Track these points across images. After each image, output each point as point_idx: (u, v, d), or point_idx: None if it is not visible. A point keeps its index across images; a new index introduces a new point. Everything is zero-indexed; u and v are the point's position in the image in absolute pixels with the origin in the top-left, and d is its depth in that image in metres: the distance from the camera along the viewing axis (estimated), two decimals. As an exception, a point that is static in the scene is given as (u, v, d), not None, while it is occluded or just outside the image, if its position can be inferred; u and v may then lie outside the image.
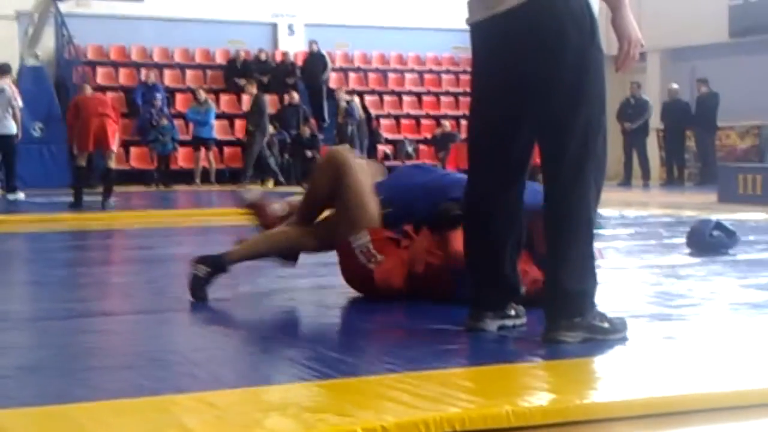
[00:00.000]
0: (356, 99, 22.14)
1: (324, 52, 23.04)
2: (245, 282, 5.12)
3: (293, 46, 24.11)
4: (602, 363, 3.39)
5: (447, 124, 22.96)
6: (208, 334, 4.10)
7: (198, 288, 4.77)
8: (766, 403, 2.91)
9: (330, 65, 23.10)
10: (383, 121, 23.92)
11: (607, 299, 4.40)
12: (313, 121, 21.93)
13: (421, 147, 23.34)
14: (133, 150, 21.03)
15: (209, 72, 23.42)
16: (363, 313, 4.73)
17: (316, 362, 3.43)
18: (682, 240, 7.25)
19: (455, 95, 24.74)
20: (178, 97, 22.37)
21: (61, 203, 13.35)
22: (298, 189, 17.98)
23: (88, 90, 14.38)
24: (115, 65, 22.74)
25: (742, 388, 2.98)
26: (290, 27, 24.42)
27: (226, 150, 21.99)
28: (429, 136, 23.60)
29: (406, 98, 24.68)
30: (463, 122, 22.97)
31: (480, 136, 3.91)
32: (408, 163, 21.30)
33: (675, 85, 20.67)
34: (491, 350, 3.62)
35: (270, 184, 20.59)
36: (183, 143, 21.02)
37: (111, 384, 3.11)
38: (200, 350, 3.62)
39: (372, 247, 4.68)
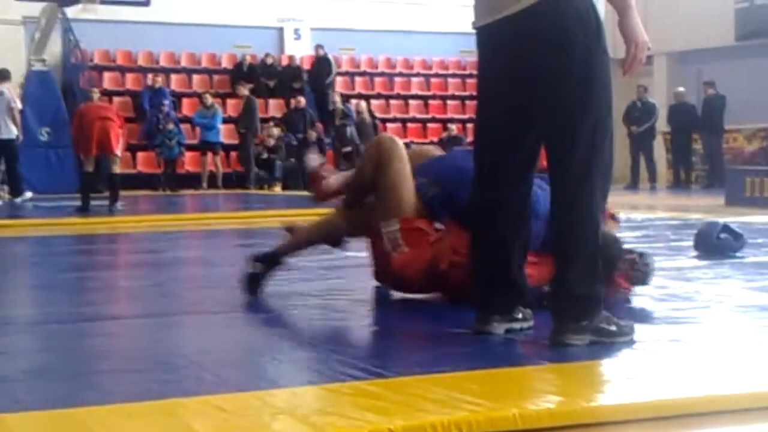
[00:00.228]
0: (363, 103, 22.15)
1: (330, 56, 23.05)
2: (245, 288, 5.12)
3: (300, 51, 24.13)
4: (609, 366, 3.39)
5: (453, 128, 22.96)
6: (215, 337, 4.10)
7: (254, 284, 4.95)
8: (773, 405, 2.90)
9: (334, 69, 23.11)
10: (390, 125, 23.91)
11: (614, 302, 4.40)
12: (319, 124, 21.94)
13: (428, 151, 23.29)
14: (140, 154, 21.06)
15: (216, 76, 23.45)
16: (370, 317, 4.73)
17: (324, 365, 3.43)
18: (690, 243, 7.23)
19: (462, 99, 24.73)
20: (185, 101, 22.40)
21: (68, 207, 13.38)
22: (304, 193, 18.00)
23: (96, 95, 14.44)
24: (122, 70, 22.77)
25: (749, 390, 2.97)
26: (296, 31, 24.44)
27: (233, 154, 21.99)
28: (435, 139, 23.56)
29: (412, 102, 24.68)
30: (470, 126, 22.95)
31: (486, 139, 3.91)
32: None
33: (681, 88, 20.65)
34: (498, 353, 3.62)
35: (277, 188, 20.62)
36: (190, 147, 21.04)
37: (118, 387, 3.11)
38: (207, 353, 3.63)
39: (399, 236, 4.71)
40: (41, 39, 19.59)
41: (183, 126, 20.94)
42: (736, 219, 8.98)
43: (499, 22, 3.73)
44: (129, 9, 20.67)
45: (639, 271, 4.83)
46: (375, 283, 5.08)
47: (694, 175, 20.64)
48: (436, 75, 25.34)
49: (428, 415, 2.66)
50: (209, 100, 21.07)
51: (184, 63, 23.44)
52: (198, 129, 21.14)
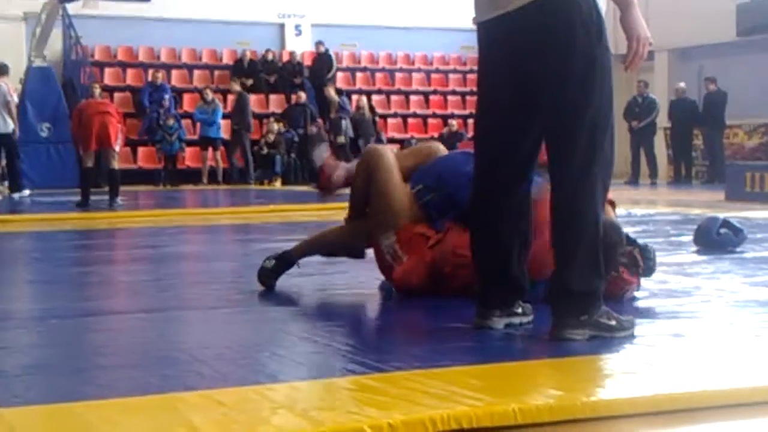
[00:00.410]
0: (364, 99, 22.15)
1: (331, 52, 23.05)
2: (252, 281, 5.12)
3: (300, 47, 24.13)
4: (609, 361, 3.39)
5: (454, 124, 22.97)
6: (215, 332, 4.10)
7: (265, 277, 5.06)
8: (773, 400, 2.90)
9: (335, 65, 23.11)
10: (390, 121, 23.93)
11: (621, 300, 4.41)
12: (320, 120, 21.95)
13: (428, 146, 23.29)
14: (140, 150, 21.08)
15: (216, 72, 23.46)
16: (370, 312, 4.74)
17: (323, 360, 3.44)
18: (690, 238, 7.24)
19: (462, 95, 24.74)
20: (186, 97, 22.42)
21: (68, 203, 13.39)
22: (305, 188, 18.02)
23: (98, 90, 14.44)
24: (123, 66, 22.79)
25: (749, 385, 2.97)
26: (297, 27, 24.43)
27: (235, 149, 21.99)
28: (436, 135, 23.58)
29: (413, 98, 24.69)
30: (470, 121, 22.95)
31: (487, 135, 3.91)
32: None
33: (682, 84, 20.64)
34: (498, 348, 3.62)
35: (277, 183, 20.63)
36: (190, 143, 21.05)
37: (118, 382, 3.11)
38: (207, 348, 3.63)
39: (398, 247, 4.72)
40: (42, 35, 19.59)
41: (183, 121, 20.95)
42: (736, 214, 8.98)
43: (500, 18, 3.72)
44: (130, 5, 20.70)
45: (640, 264, 4.82)
46: (375, 277, 5.07)
47: (694, 170, 20.64)
48: (437, 71, 25.34)
49: (428, 410, 2.66)
50: (210, 95, 21.07)
51: (184, 59, 23.45)
52: (198, 124, 21.15)
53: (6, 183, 15.99)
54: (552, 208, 3.76)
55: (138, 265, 6.76)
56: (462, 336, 3.77)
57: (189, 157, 21.29)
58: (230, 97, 22.61)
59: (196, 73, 23.22)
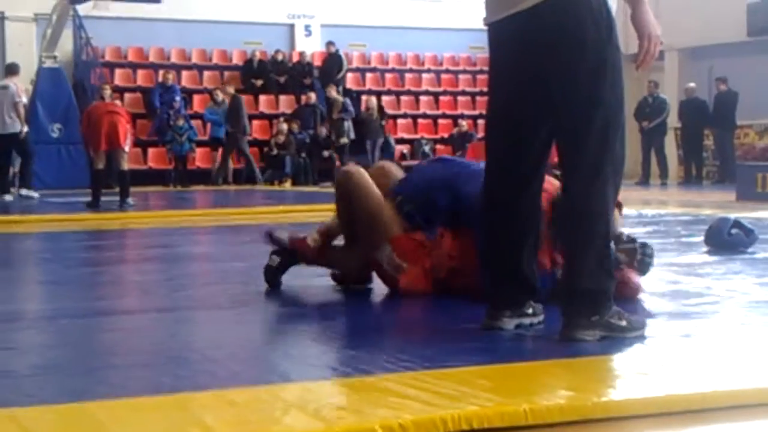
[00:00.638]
0: (373, 100, 22.13)
1: (341, 52, 23.06)
2: (264, 281, 5.13)
3: (310, 47, 24.15)
4: (620, 361, 3.38)
5: (464, 124, 22.96)
6: (227, 331, 4.11)
7: (271, 275, 5.06)
8: (785, 400, 2.90)
9: (345, 66, 23.12)
10: (400, 121, 23.94)
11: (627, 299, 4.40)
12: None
13: (438, 147, 23.34)
14: (150, 150, 21.12)
15: (226, 73, 23.48)
16: (381, 312, 4.74)
17: (335, 360, 3.44)
18: (701, 238, 7.22)
19: (472, 95, 24.73)
20: (196, 97, 22.45)
21: (78, 203, 13.42)
22: (315, 188, 18.04)
23: (108, 91, 14.48)
24: (133, 66, 22.83)
25: (760, 385, 2.97)
26: (307, 28, 24.45)
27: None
28: (446, 135, 23.60)
29: (422, 98, 24.69)
30: (480, 122, 22.94)
31: (498, 135, 3.90)
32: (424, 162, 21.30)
33: (692, 84, 20.60)
34: (509, 348, 3.62)
35: (287, 183, 20.65)
36: (200, 143, 21.07)
37: (130, 382, 3.12)
38: (219, 348, 3.63)
39: (395, 256, 4.72)
40: (53, 36, 19.64)
41: (193, 122, 20.98)
42: (747, 215, 8.96)
43: (511, 18, 3.72)
44: (140, 6, 20.73)
45: (636, 258, 4.80)
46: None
47: (705, 170, 20.60)
48: (447, 71, 25.34)
49: (438, 410, 2.66)
50: (220, 96, 21.09)
51: (194, 59, 23.49)
52: (209, 125, 21.18)
53: (16, 186, 15.99)
54: (562, 208, 3.76)
55: (149, 266, 6.77)
56: (472, 336, 3.77)
57: (199, 158, 21.33)
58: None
59: (206, 73, 23.26)
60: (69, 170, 18.78)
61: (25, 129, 15.75)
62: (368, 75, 24.70)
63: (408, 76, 24.98)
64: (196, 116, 21.48)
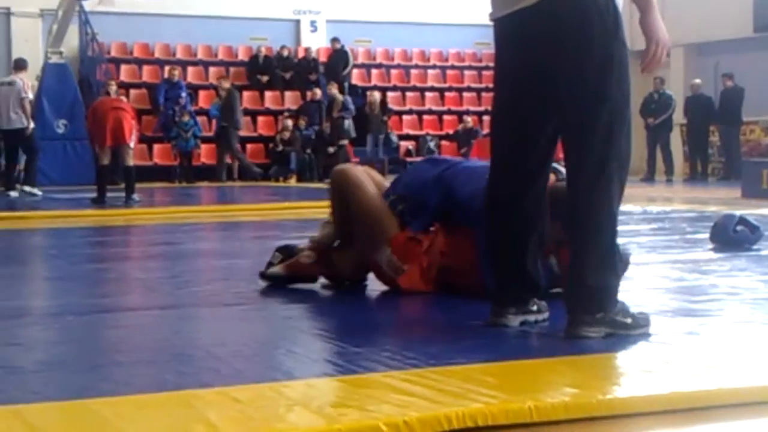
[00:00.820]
0: (377, 95, 22.08)
1: (347, 48, 23.05)
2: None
3: (316, 43, 24.15)
4: (625, 358, 3.38)
5: (469, 120, 22.94)
6: (230, 329, 4.11)
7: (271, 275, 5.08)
8: (790, 398, 2.89)
9: (352, 62, 23.12)
10: (405, 117, 23.93)
11: (629, 294, 4.39)
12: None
13: (444, 143, 23.34)
14: (156, 147, 21.13)
15: (232, 68, 23.48)
16: (385, 309, 4.74)
17: (339, 357, 3.44)
18: (706, 235, 7.21)
19: (477, 91, 24.71)
20: (201, 93, 22.45)
21: (84, 199, 13.44)
22: (320, 185, 18.02)
23: (113, 87, 14.47)
24: (139, 62, 22.84)
25: (765, 383, 2.96)
26: (313, 23, 24.45)
27: (249, 146, 22.04)
28: (451, 131, 23.59)
29: (428, 94, 24.67)
30: (486, 118, 22.93)
31: (503, 132, 3.90)
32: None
33: (697, 80, 20.57)
34: (513, 346, 3.61)
35: (292, 180, 20.65)
36: (205, 140, 21.08)
37: (135, 379, 3.12)
38: (223, 345, 3.63)
39: (395, 258, 4.72)
40: (58, 31, 19.65)
41: (199, 118, 20.98)
42: (752, 211, 8.95)
43: (518, 14, 3.71)
44: (146, 2, 20.77)
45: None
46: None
47: (710, 167, 20.57)
48: (452, 67, 25.32)
49: (443, 407, 2.66)
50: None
51: (200, 55, 23.50)
52: (214, 121, 21.18)
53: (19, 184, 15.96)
54: (568, 204, 3.76)
55: (154, 262, 6.78)
56: (477, 333, 3.76)
57: (204, 154, 21.32)
58: (247, 94, 22.70)
59: (212, 69, 23.26)
60: (74, 166, 18.79)
61: (32, 125, 15.74)
62: (373, 71, 24.69)
63: (413, 71, 24.97)
64: (202, 112, 21.48)
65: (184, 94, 20.97)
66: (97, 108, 13.30)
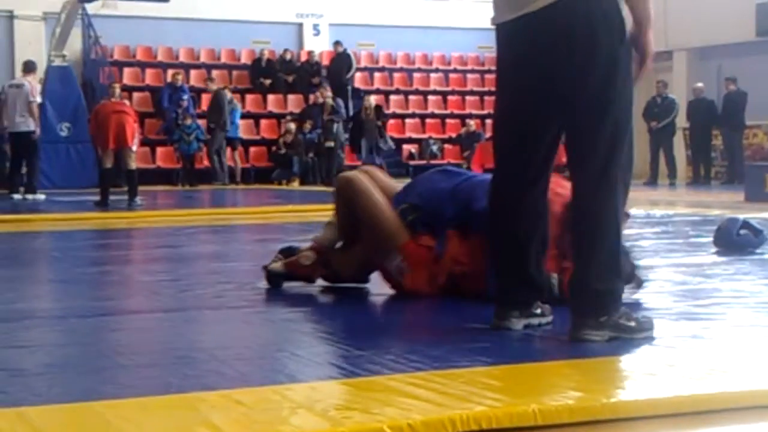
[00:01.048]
0: (372, 100, 22.04)
1: (349, 51, 23.06)
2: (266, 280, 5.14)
3: (319, 46, 24.17)
4: (629, 362, 3.38)
5: (472, 124, 22.94)
6: (234, 332, 4.11)
7: (274, 278, 5.11)
8: (794, 402, 2.89)
9: (355, 65, 23.13)
10: (408, 121, 23.94)
11: (633, 298, 4.40)
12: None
13: (447, 146, 23.34)
14: (158, 150, 21.14)
15: (235, 72, 23.50)
16: (389, 312, 4.74)
17: (342, 360, 3.44)
18: (709, 239, 7.21)
19: (480, 95, 24.72)
20: (204, 96, 22.45)
21: (87, 202, 13.45)
22: (323, 188, 18.02)
23: (117, 90, 14.49)
24: (142, 65, 22.86)
25: (770, 387, 2.96)
26: (315, 27, 24.47)
27: (252, 149, 22.06)
28: (454, 135, 23.59)
29: (431, 98, 24.69)
30: (489, 122, 22.91)
31: (506, 135, 3.90)
32: (432, 162, 21.30)
33: (700, 84, 20.57)
34: (517, 349, 3.61)
35: (295, 183, 20.65)
36: (208, 143, 21.06)
37: (138, 381, 3.12)
38: (227, 348, 3.63)
39: (405, 265, 4.72)
40: (61, 35, 19.67)
41: (201, 121, 20.99)
42: (756, 215, 8.93)
43: (521, 19, 3.70)
44: (149, 5, 20.76)
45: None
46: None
47: (713, 171, 20.56)
48: (455, 71, 25.33)
49: (447, 410, 2.66)
50: (228, 95, 21.10)
51: (203, 58, 23.53)
52: (215, 124, 21.19)
53: (22, 188, 15.94)
54: (572, 208, 3.76)
55: (157, 265, 6.78)
56: (481, 337, 3.76)
57: (207, 157, 21.32)
58: (250, 97, 22.71)
59: (215, 73, 23.26)
60: (77, 169, 18.81)
61: (38, 130, 15.70)
62: (376, 74, 24.70)
63: (416, 75, 24.98)
64: (204, 115, 21.48)
65: (185, 97, 20.98)
66: (100, 111, 13.34)
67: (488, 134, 21.41)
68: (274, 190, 19.09)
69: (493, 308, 3.92)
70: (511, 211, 3.85)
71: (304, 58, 23.74)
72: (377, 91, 23.94)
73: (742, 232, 6.85)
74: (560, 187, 4.28)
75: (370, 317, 4.53)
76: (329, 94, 21.42)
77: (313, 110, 21.91)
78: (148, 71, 22.78)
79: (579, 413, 2.72)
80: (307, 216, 11.12)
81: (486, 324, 3.90)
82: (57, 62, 19.61)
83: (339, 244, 5.10)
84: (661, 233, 8.52)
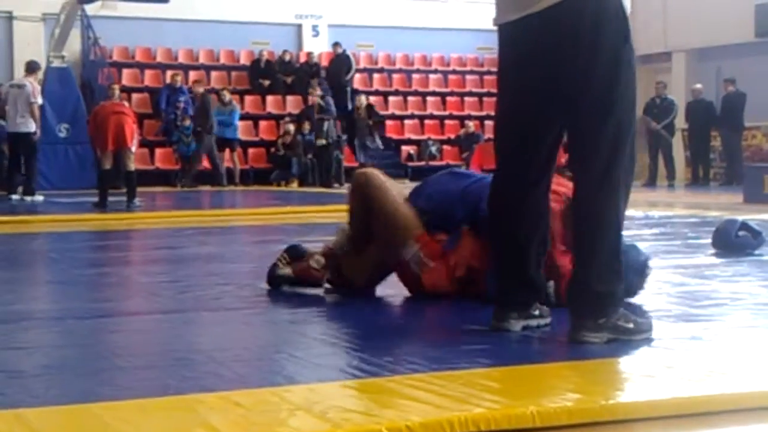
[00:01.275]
0: (363, 99, 21.99)
1: (349, 52, 23.06)
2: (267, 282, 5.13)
3: (318, 47, 24.17)
4: (627, 363, 3.38)
5: (471, 125, 22.94)
6: (232, 333, 4.11)
7: (276, 279, 5.10)
8: (792, 404, 2.89)
9: (354, 66, 23.13)
10: (407, 122, 23.95)
11: (632, 299, 4.40)
12: (337, 122, 21.94)
13: (445, 148, 23.34)
14: (157, 151, 21.14)
15: (234, 73, 23.51)
16: (387, 314, 4.73)
17: (341, 362, 3.43)
18: (708, 240, 7.21)
19: (479, 96, 24.72)
20: (203, 98, 22.44)
21: (86, 203, 13.44)
22: (322, 189, 18.04)
23: (117, 91, 14.48)
24: (141, 66, 22.86)
25: (767, 389, 2.96)
26: (315, 28, 24.47)
27: (251, 151, 22.06)
28: (453, 136, 23.59)
29: (430, 99, 24.70)
30: (487, 123, 22.95)
31: (508, 136, 3.89)
32: (431, 164, 21.30)
33: (698, 85, 20.57)
34: (516, 350, 3.61)
35: (294, 184, 20.65)
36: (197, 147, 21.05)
37: (136, 383, 3.12)
38: (225, 350, 3.63)
39: (423, 255, 4.70)
40: (60, 35, 19.67)
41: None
42: (754, 217, 8.94)
43: (525, 19, 3.69)
44: (148, 6, 20.76)
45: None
46: (391, 279, 5.06)
47: (712, 172, 20.56)
48: (454, 72, 25.34)
49: (445, 412, 2.65)
50: (227, 96, 21.12)
51: (202, 59, 23.53)
52: (216, 125, 21.17)
53: (21, 188, 15.91)
54: (573, 208, 3.75)
55: (155, 266, 6.78)
56: (479, 338, 3.76)
57: (206, 158, 21.29)
58: (249, 98, 22.71)
59: (214, 74, 23.28)
60: (76, 170, 18.81)
61: (39, 132, 15.67)
62: (375, 75, 24.71)
63: (415, 76, 24.99)
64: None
65: (182, 98, 20.96)
66: (99, 112, 13.33)
67: (487, 135, 21.45)
68: (272, 191, 19.09)
69: (491, 310, 3.92)
70: (513, 212, 3.84)
71: (303, 59, 23.75)
72: (376, 92, 23.95)
73: (741, 233, 6.85)
74: (562, 186, 4.28)
75: (368, 319, 4.53)
76: (319, 92, 21.40)
77: (310, 111, 21.92)
78: (147, 72, 22.79)
79: (578, 415, 2.72)
80: (306, 217, 11.13)
81: (484, 325, 3.90)
82: (56, 63, 19.61)
83: (347, 250, 5.07)
84: (660, 234, 8.52)
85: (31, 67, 16.06)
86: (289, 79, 23.13)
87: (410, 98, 24.54)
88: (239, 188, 20.16)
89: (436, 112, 24.42)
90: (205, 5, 22.92)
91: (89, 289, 5.60)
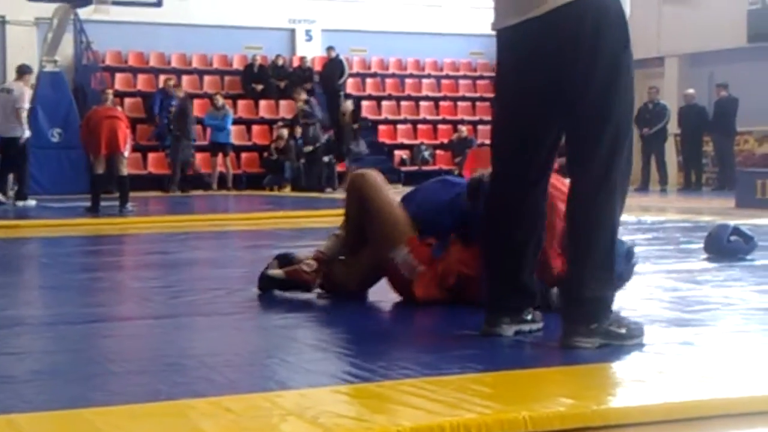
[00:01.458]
0: (348, 103, 21.98)
1: (342, 57, 23.06)
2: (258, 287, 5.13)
3: (311, 52, 24.17)
4: (619, 369, 3.38)
5: (464, 130, 22.94)
6: (224, 339, 4.10)
7: (266, 284, 5.10)
8: (784, 409, 2.89)
9: (347, 71, 23.13)
10: (400, 127, 23.95)
11: (624, 304, 4.39)
12: (323, 126, 21.89)
13: (438, 152, 23.34)
14: (150, 155, 21.11)
15: (227, 77, 23.51)
16: (379, 319, 4.73)
17: (333, 367, 3.43)
18: (700, 245, 7.22)
19: (472, 100, 24.72)
20: (196, 102, 22.41)
21: (78, 208, 13.42)
22: (315, 194, 18.03)
23: (110, 96, 14.44)
24: (134, 71, 22.84)
25: (759, 393, 2.96)
26: (308, 32, 24.47)
27: (244, 155, 22.05)
28: (446, 141, 23.59)
29: (423, 103, 24.70)
30: (480, 127, 22.97)
31: (506, 138, 3.88)
32: (424, 168, 21.30)
33: (691, 90, 20.60)
34: (508, 355, 3.61)
35: (287, 189, 20.64)
36: (200, 149, 21.06)
37: (127, 388, 3.11)
38: (217, 355, 3.62)
39: (411, 257, 4.70)
40: (53, 40, 19.64)
41: (193, 127, 20.95)
42: (746, 221, 8.96)
43: (524, 24, 3.69)
44: (141, 10, 20.73)
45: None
46: (382, 285, 5.06)
47: (704, 177, 20.59)
48: (447, 76, 25.34)
49: (437, 417, 2.65)
50: (220, 101, 21.12)
51: (195, 64, 23.52)
52: (209, 130, 21.17)
53: (12, 192, 15.86)
54: (569, 213, 3.75)
55: (148, 272, 6.76)
56: (471, 343, 3.76)
57: (199, 163, 21.30)
58: (242, 103, 22.71)
59: (207, 78, 23.28)
60: (69, 175, 18.75)
61: (26, 135, 15.60)
62: (368, 80, 24.71)
63: (408, 81, 25.00)
64: (196, 121, 21.45)
65: (174, 103, 20.95)
66: (92, 117, 13.31)
67: (480, 140, 21.46)
68: (265, 196, 19.08)
69: (483, 315, 3.91)
70: (513, 212, 3.83)
71: (296, 63, 23.75)
72: (369, 97, 23.95)
73: (733, 238, 6.86)
74: (562, 185, 4.28)
75: (360, 324, 4.52)
76: (303, 97, 21.36)
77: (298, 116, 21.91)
78: (140, 77, 22.77)
79: (570, 420, 2.72)
80: (298, 222, 11.12)
81: (476, 330, 3.90)
82: (48, 68, 19.58)
83: (341, 257, 5.06)
84: (652, 239, 8.53)
85: (21, 71, 16.04)
86: (282, 84, 23.13)
87: (403, 103, 24.55)
88: (232, 193, 20.14)
89: (429, 117, 24.42)
90: (199, 10, 22.91)
91: (81, 294, 5.59)
